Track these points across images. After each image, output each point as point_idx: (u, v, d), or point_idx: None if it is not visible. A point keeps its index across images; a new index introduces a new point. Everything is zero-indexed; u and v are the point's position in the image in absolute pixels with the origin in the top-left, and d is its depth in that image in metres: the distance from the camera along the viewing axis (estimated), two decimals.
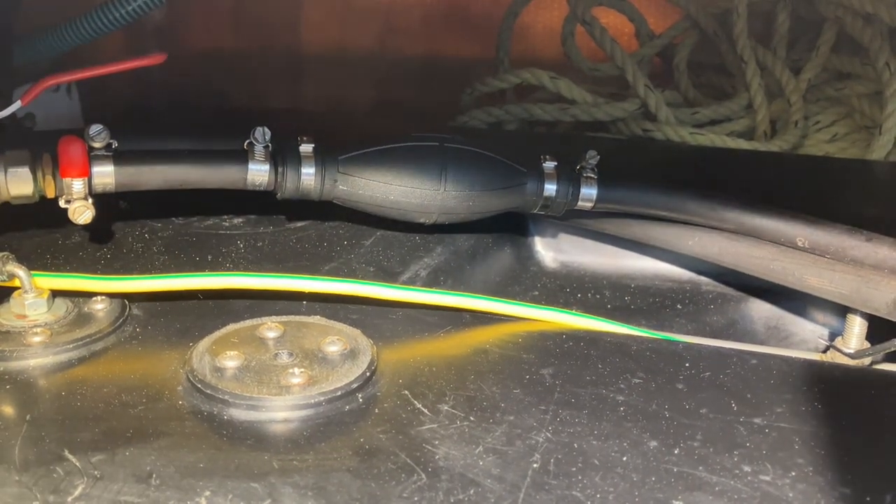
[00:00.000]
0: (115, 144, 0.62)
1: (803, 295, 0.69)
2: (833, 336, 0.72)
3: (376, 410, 0.52)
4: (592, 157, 0.71)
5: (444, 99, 1.39)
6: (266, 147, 0.65)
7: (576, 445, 0.49)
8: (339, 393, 0.52)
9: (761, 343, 0.76)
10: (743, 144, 1.22)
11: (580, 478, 0.46)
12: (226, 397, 0.51)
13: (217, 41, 1.49)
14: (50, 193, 0.62)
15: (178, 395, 0.52)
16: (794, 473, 0.47)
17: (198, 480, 0.45)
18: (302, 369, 0.53)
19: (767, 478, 0.47)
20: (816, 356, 0.70)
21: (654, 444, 0.49)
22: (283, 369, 0.53)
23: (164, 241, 0.73)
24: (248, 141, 0.65)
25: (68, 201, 0.61)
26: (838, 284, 0.65)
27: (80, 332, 0.58)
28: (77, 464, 0.45)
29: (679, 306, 0.80)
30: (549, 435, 0.50)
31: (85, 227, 0.67)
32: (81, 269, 0.67)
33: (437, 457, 0.47)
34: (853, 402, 0.56)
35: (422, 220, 0.70)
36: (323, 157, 0.66)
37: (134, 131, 0.74)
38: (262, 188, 0.66)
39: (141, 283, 0.62)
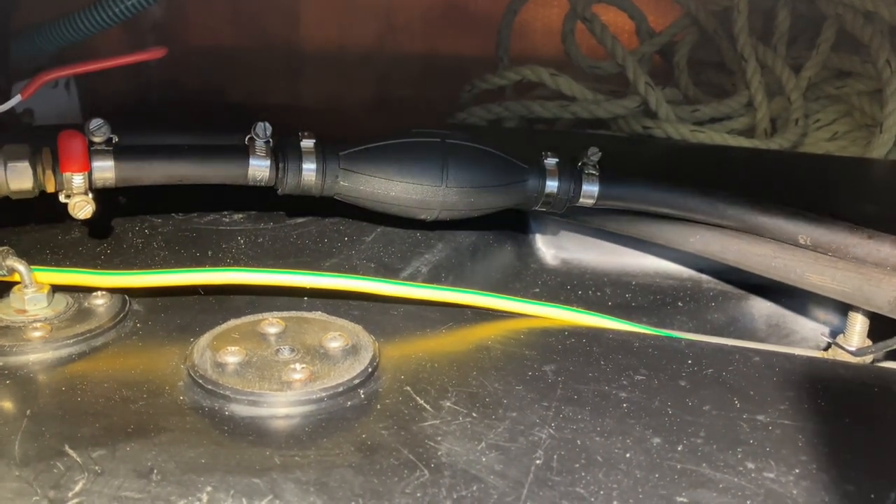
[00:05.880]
0: (115, 139, 0.62)
1: (805, 292, 0.69)
2: (834, 334, 0.72)
3: (378, 406, 0.51)
4: (594, 154, 0.71)
5: (443, 96, 1.39)
6: (267, 142, 0.65)
7: (579, 442, 0.49)
8: (340, 389, 0.52)
9: (762, 341, 0.76)
10: (743, 142, 1.22)
11: (583, 474, 0.46)
12: (227, 393, 0.51)
13: (216, 37, 1.49)
14: (50, 188, 0.61)
15: (178, 391, 0.52)
16: (797, 470, 0.47)
17: (199, 476, 0.44)
18: (303, 365, 0.53)
19: (771, 475, 0.47)
20: (818, 354, 0.70)
21: (657, 440, 0.49)
22: (285, 365, 0.53)
23: (164, 237, 0.73)
24: (248, 136, 0.65)
25: (68, 196, 0.61)
26: (840, 282, 0.65)
27: (80, 328, 0.57)
28: (77, 459, 0.45)
29: (680, 304, 0.80)
30: (551, 431, 0.50)
31: (85, 222, 0.67)
32: (81, 264, 0.67)
33: (439, 453, 0.47)
34: (855, 400, 0.56)
35: (423, 217, 0.70)
36: (324, 153, 0.66)
37: (134, 126, 0.73)
38: (262, 184, 0.66)
39: (141, 279, 0.62)
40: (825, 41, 1.26)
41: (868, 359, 0.67)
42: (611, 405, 0.53)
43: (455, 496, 0.44)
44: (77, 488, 0.43)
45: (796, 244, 0.68)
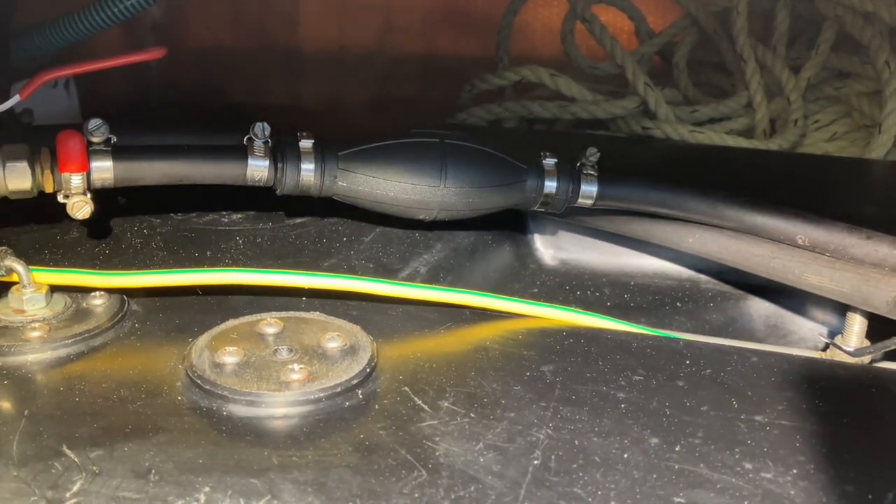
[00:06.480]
0: (114, 139, 0.62)
1: (803, 293, 0.69)
2: (833, 334, 0.72)
3: (376, 406, 0.51)
4: (593, 154, 0.71)
5: (443, 96, 1.39)
6: (266, 143, 0.65)
7: (577, 442, 0.49)
8: (338, 389, 0.52)
9: (761, 341, 0.76)
10: (742, 143, 1.22)
11: (581, 475, 0.46)
12: (225, 393, 0.51)
13: (216, 37, 1.49)
14: (48, 188, 0.61)
15: (177, 391, 0.52)
16: (795, 471, 0.47)
17: (197, 476, 0.44)
18: (301, 365, 0.53)
19: (769, 475, 0.47)
20: (816, 354, 0.70)
21: (655, 441, 0.49)
22: (283, 365, 0.53)
23: (162, 237, 0.73)
24: (247, 136, 0.65)
25: (67, 196, 0.61)
26: (838, 282, 0.65)
27: (78, 328, 0.57)
28: (75, 459, 0.45)
29: (679, 304, 0.80)
30: (549, 432, 0.50)
31: (83, 222, 0.67)
32: (80, 264, 0.67)
33: (437, 453, 0.47)
34: (853, 400, 0.56)
35: (422, 217, 0.70)
36: (323, 153, 0.66)
37: (133, 126, 0.73)
38: (261, 184, 0.66)
39: (140, 279, 0.62)
40: (825, 42, 1.26)
41: (866, 359, 0.67)
42: (609, 405, 0.53)
43: (453, 496, 0.44)
44: (75, 488, 0.43)
45: (795, 244, 0.68)
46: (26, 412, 0.49)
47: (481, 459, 0.47)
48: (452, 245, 0.78)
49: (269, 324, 0.58)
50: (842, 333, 0.68)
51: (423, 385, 0.54)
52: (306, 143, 0.66)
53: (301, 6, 1.51)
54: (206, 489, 0.43)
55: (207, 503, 0.43)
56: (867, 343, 0.67)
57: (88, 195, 0.61)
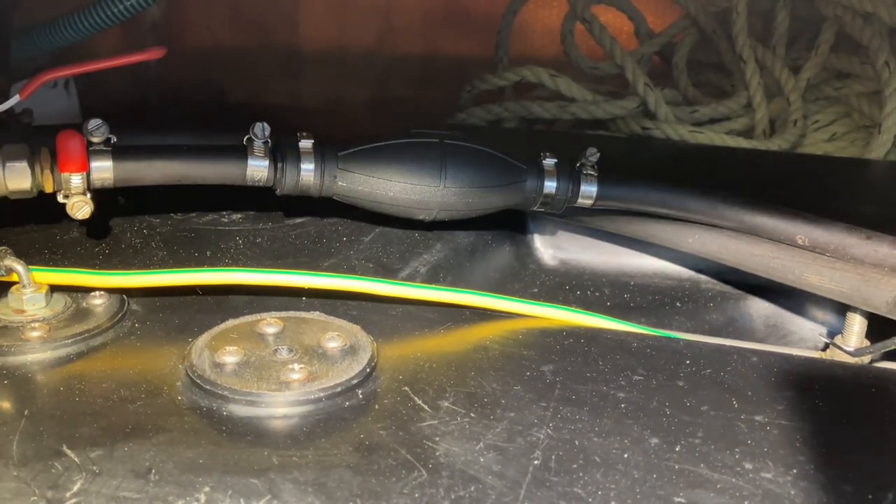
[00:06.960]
0: (113, 139, 0.62)
1: (803, 293, 0.69)
2: (833, 334, 0.72)
3: (376, 406, 0.51)
4: (592, 155, 0.71)
5: (443, 97, 1.39)
6: (265, 143, 0.65)
7: (577, 442, 0.49)
8: (338, 389, 0.52)
9: (761, 341, 0.76)
10: (742, 143, 1.22)
11: (581, 475, 0.46)
12: (225, 393, 0.51)
13: (216, 37, 1.49)
14: (48, 188, 0.61)
15: (177, 391, 0.52)
16: (795, 471, 0.47)
17: (197, 476, 0.44)
18: (301, 365, 0.53)
19: (769, 475, 0.47)
20: (816, 354, 0.70)
21: (655, 441, 0.49)
22: (283, 365, 0.53)
23: (162, 237, 0.73)
24: (247, 136, 0.65)
25: (67, 196, 0.61)
26: (838, 282, 0.65)
27: (78, 328, 0.57)
28: (75, 459, 0.45)
29: (678, 304, 0.80)
30: (549, 432, 0.50)
31: (83, 222, 0.67)
32: (80, 264, 0.67)
33: (437, 453, 0.47)
34: (853, 400, 0.56)
35: (421, 217, 0.70)
36: (323, 154, 0.66)
37: (133, 126, 0.73)
38: (261, 184, 0.66)
39: (139, 279, 0.62)
40: (824, 42, 1.26)
41: (866, 359, 0.67)
42: (609, 405, 0.53)
43: (453, 496, 0.44)
44: (75, 488, 0.43)
45: (794, 245, 0.68)
46: (26, 412, 0.49)
47: (481, 459, 0.47)
48: (452, 245, 0.78)
49: (269, 324, 0.58)
50: (842, 333, 0.68)
51: (423, 385, 0.54)
52: (306, 144, 0.66)
53: (301, 6, 1.51)
54: (207, 489, 0.43)
55: (208, 503, 0.43)
56: (867, 343, 0.67)
57: (88, 195, 0.61)
